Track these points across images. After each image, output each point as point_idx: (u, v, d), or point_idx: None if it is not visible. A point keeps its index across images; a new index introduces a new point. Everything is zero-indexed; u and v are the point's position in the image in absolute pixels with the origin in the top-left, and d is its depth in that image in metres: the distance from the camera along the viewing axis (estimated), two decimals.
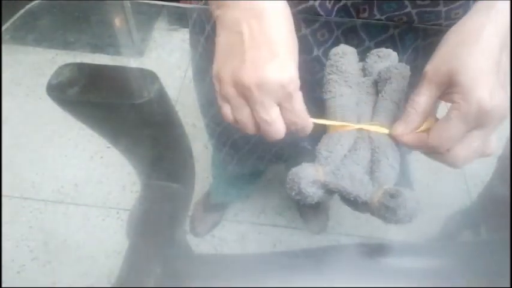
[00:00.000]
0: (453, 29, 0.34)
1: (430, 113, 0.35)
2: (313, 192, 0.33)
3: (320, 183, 0.34)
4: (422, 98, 0.34)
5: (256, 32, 0.33)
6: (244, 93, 0.34)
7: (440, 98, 0.35)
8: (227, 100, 0.35)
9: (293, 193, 0.34)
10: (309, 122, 0.36)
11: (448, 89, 0.33)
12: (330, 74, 0.40)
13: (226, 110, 0.36)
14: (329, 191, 0.34)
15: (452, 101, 0.32)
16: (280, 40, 0.33)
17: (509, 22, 0.32)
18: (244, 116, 0.35)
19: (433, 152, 0.34)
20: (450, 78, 0.32)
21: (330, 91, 0.40)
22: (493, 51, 0.31)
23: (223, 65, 0.35)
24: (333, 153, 0.36)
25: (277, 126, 0.35)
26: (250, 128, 0.36)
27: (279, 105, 0.34)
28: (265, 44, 0.33)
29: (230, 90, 0.34)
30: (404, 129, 0.36)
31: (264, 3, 0.34)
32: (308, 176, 0.33)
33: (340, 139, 0.37)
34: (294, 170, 0.34)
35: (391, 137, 0.37)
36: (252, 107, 0.34)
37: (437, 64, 0.34)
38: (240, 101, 0.34)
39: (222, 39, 0.35)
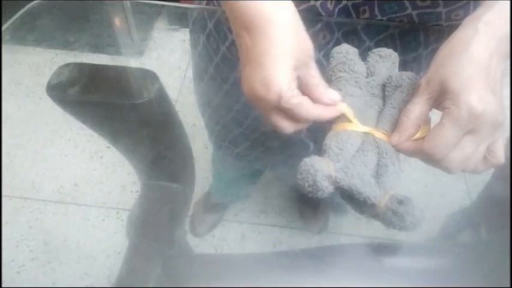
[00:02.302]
0: (444, 43, 0.35)
1: (424, 121, 0.36)
2: (325, 187, 0.33)
3: (332, 179, 0.33)
4: (415, 107, 0.35)
5: (250, 44, 0.34)
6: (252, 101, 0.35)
7: (434, 107, 0.36)
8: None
9: (306, 184, 0.33)
10: (310, 121, 0.36)
11: (440, 97, 0.34)
12: (340, 71, 0.40)
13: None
14: (338, 188, 0.34)
15: (443, 108, 0.33)
16: (266, 51, 0.33)
17: (501, 32, 0.33)
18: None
19: (429, 159, 0.34)
20: (441, 87, 0.33)
21: (339, 89, 0.39)
22: (480, 59, 0.32)
23: (241, 79, 0.36)
24: (344, 150, 0.35)
25: (283, 126, 0.36)
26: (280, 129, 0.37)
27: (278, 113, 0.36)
28: (255, 58, 0.33)
29: (249, 101, 0.36)
30: (399, 138, 0.36)
31: (255, 12, 0.33)
32: (323, 170, 0.33)
33: (350, 138, 0.36)
34: (307, 161, 0.33)
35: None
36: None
37: (429, 75, 0.35)
38: (259, 110, 0.36)
39: (239, 52, 0.37)
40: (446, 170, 0.35)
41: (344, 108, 0.37)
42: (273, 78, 0.32)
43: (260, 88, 0.33)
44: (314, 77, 0.36)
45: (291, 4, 0.35)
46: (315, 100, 0.36)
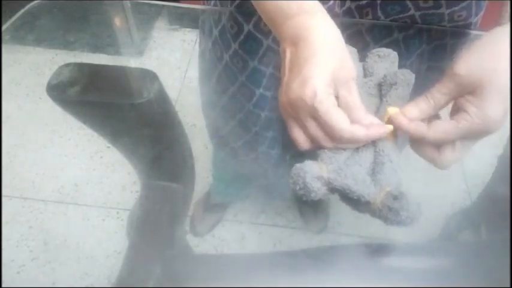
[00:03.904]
0: (491, 36, 0.34)
1: (440, 108, 0.36)
2: (317, 188, 0.33)
3: (324, 180, 0.34)
4: (443, 97, 0.35)
5: (294, 55, 0.35)
6: (287, 113, 0.36)
7: (454, 98, 0.35)
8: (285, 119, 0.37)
9: (297, 187, 0.33)
10: (342, 133, 0.34)
11: (466, 94, 0.33)
12: None
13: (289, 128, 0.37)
14: (332, 189, 0.34)
15: (464, 109, 0.32)
16: (308, 58, 0.34)
17: None
18: (292, 133, 0.37)
19: (425, 142, 0.34)
20: (473, 85, 0.32)
21: None
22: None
23: (279, 92, 0.37)
24: (337, 154, 0.36)
25: (316, 136, 0.35)
26: (301, 144, 0.36)
27: (314, 120, 0.35)
28: (297, 63, 0.34)
29: (281, 112, 0.37)
30: (413, 114, 0.35)
31: (303, 27, 0.35)
32: (313, 171, 0.33)
33: None
34: (298, 165, 0.34)
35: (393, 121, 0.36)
36: (298, 123, 0.36)
37: (469, 67, 0.33)
38: (286, 120, 0.36)
39: (281, 69, 0.37)
40: (439, 166, 0.35)
41: (388, 130, 0.36)
42: (310, 77, 0.33)
43: (297, 87, 0.33)
44: (355, 99, 0.35)
45: (338, 29, 0.36)
46: (353, 122, 0.35)
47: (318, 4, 0.37)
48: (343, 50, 0.36)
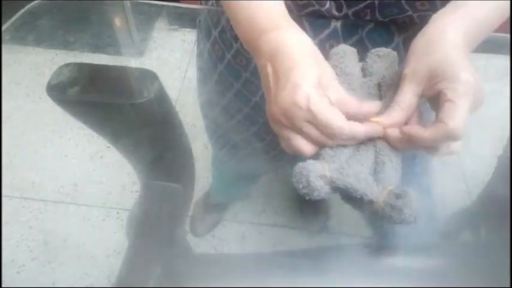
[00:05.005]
0: (418, 35, 0.37)
1: (413, 110, 0.36)
2: (320, 186, 0.33)
3: (327, 179, 0.34)
4: (407, 97, 0.36)
5: (276, 68, 0.36)
6: (282, 124, 0.36)
7: (422, 95, 0.36)
8: (277, 134, 0.38)
9: (301, 186, 0.33)
10: (342, 130, 0.34)
11: (431, 82, 0.35)
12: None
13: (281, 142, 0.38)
14: (334, 188, 0.34)
15: (439, 90, 0.34)
16: (292, 68, 0.35)
17: (471, 27, 0.36)
18: (286, 143, 0.37)
19: (452, 139, 0.34)
20: (430, 73, 0.34)
21: None
22: (458, 42, 0.35)
23: (267, 107, 0.37)
24: (338, 152, 0.36)
25: (315, 138, 0.35)
26: (306, 152, 0.36)
27: (311, 124, 0.35)
28: (282, 75, 0.35)
29: (273, 126, 0.37)
30: (386, 122, 0.36)
31: (278, 42, 0.36)
32: (316, 170, 0.33)
33: None
34: (301, 164, 0.34)
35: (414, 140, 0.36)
36: (296, 132, 0.36)
37: (413, 64, 0.36)
38: (282, 133, 0.36)
39: (262, 84, 0.38)
40: (438, 154, 0.35)
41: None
42: (299, 84, 0.34)
43: (288, 96, 0.34)
44: (344, 94, 0.36)
45: (310, 39, 0.37)
46: (352, 115, 0.35)
47: (289, 18, 0.38)
48: (320, 57, 0.37)
